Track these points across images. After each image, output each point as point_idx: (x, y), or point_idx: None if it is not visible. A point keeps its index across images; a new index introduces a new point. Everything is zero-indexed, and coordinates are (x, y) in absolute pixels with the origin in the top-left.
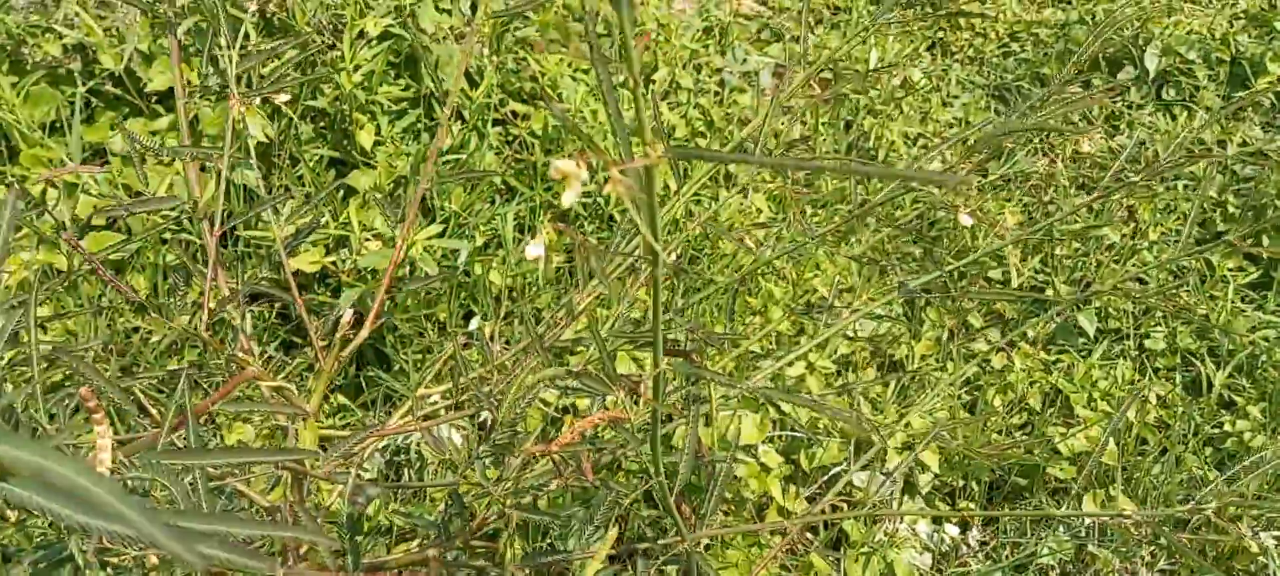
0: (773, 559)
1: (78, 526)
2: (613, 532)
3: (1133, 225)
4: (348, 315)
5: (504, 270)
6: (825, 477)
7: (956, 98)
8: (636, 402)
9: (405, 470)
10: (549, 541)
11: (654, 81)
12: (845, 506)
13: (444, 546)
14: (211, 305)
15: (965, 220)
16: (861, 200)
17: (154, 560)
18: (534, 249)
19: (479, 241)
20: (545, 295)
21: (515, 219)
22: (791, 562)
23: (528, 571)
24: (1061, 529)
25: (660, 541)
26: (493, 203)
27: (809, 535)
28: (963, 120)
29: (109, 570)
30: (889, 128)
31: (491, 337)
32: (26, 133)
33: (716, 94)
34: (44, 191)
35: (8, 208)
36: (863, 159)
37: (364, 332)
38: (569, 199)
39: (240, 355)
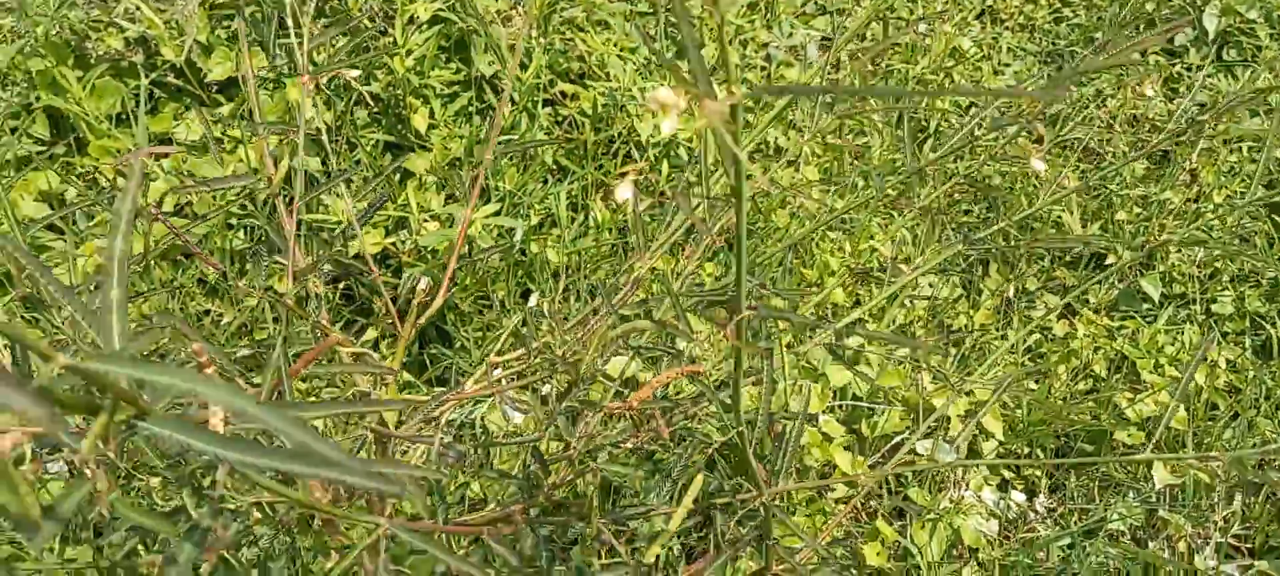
0: (837, 525)
1: (214, 457)
2: (698, 479)
3: (1196, 188)
4: (424, 282)
5: (559, 248)
6: (888, 446)
7: (1008, 65)
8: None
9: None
10: (624, 500)
11: None
12: (909, 474)
13: (527, 503)
14: (293, 275)
15: (1038, 165)
16: (914, 168)
17: (257, 515)
18: (624, 191)
19: (533, 220)
20: (601, 271)
21: (568, 198)
22: (857, 529)
23: (611, 525)
24: (1131, 495)
25: (738, 496)
26: (545, 182)
27: (874, 502)
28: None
29: (225, 515)
30: (940, 97)
31: (551, 313)
32: (94, 124)
33: (763, 69)
34: (113, 181)
35: (134, 174)
36: (913, 128)
37: (440, 298)
38: (668, 127)
39: (324, 323)
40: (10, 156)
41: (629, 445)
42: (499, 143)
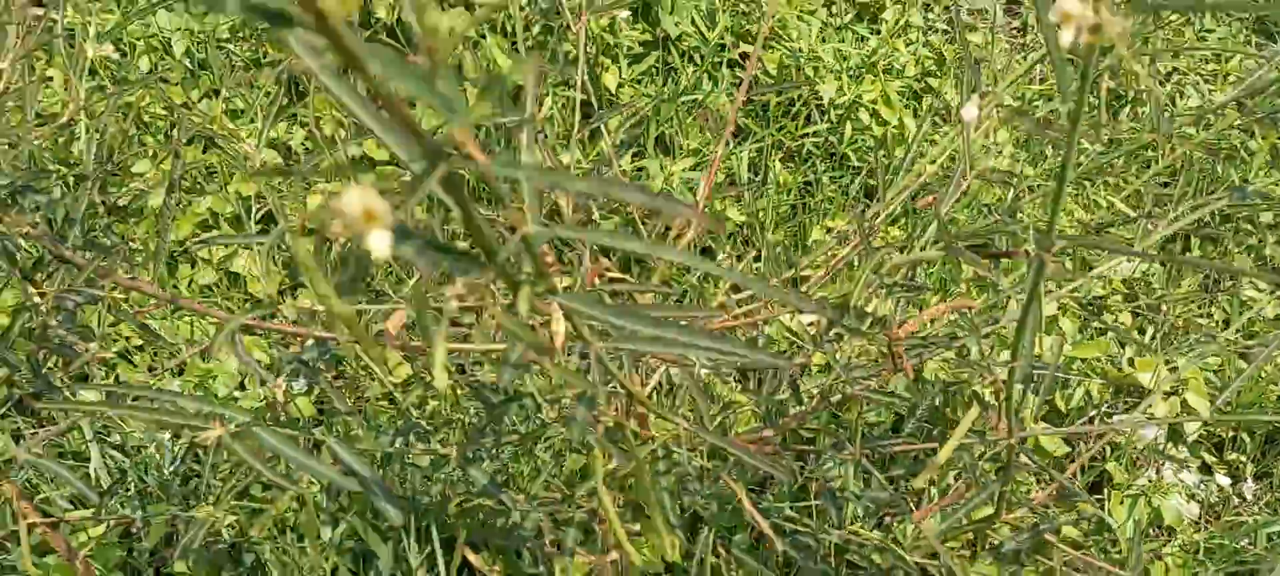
0: (1035, 506)
1: (608, 328)
2: (973, 411)
3: None
4: (679, 220)
5: (740, 207)
6: (1083, 420)
7: (1211, 31)
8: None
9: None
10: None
11: (884, 20)
12: (1106, 449)
13: (778, 429)
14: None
15: None
16: (1110, 139)
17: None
18: (970, 110)
19: (718, 178)
20: (780, 231)
21: (748, 158)
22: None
23: (867, 453)
24: None
25: (985, 436)
26: (726, 144)
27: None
28: (1219, 55)
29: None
30: (1137, 62)
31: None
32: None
33: (946, 32)
34: (333, 135)
35: (527, 75)
36: (1109, 97)
37: (690, 233)
38: (1067, 39)
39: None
40: (242, 106)
41: (872, 383)
42: (683, 103)
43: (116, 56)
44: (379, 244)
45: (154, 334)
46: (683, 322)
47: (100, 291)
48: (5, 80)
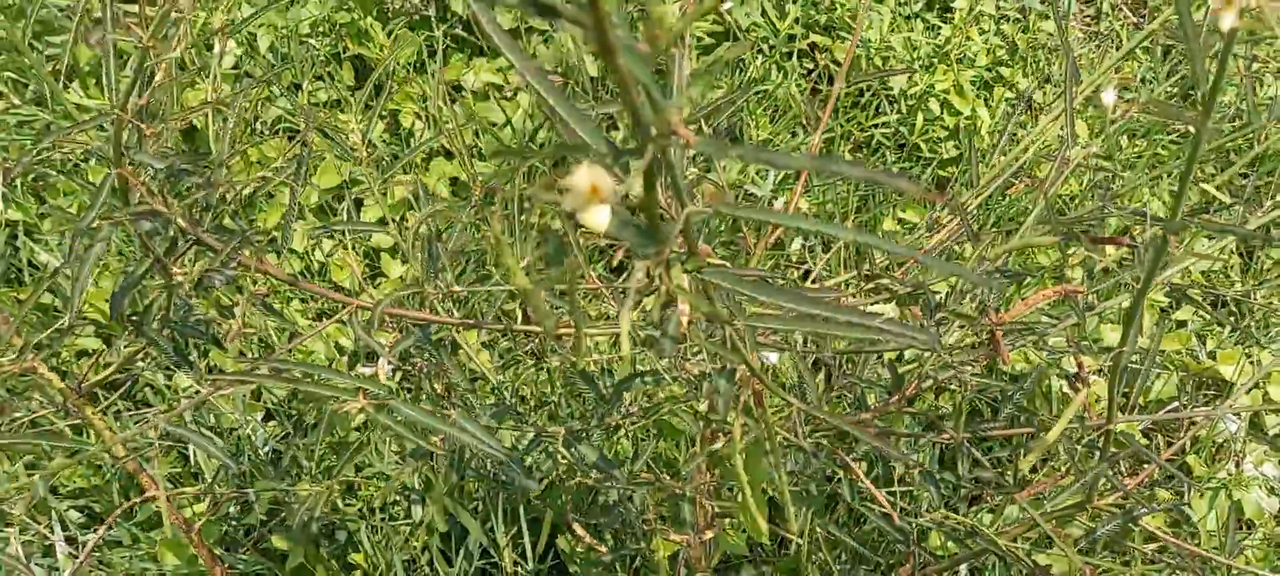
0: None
1: (742, 302)
2: (1083, 395)
3: None
4: (778, 206)
5: (809, 198)
6: (1162, 411)
7: None
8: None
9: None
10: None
11: (955, 9)
12: (1187, 442)
13: (876, 413)
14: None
15: None
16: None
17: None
18: (1109, 95)
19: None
20: (848, 223)
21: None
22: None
23: (968, 436)
24: None
25: (1085, 421)
26: (794, 134)
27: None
28: None
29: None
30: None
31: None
32: (395, 71)
33: (1018, 21)
34: (412, 126)
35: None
36: (1186, 86)
37: (794, 208)
38: (1229, 22)
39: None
40: (323, 99)
41: (969, 368)
42: (756, 94)
43: (238, 52)
44: (600, 219)
45: (281, 317)
46: (822, 300)
47: (236, 273)
48: (163, 73)
